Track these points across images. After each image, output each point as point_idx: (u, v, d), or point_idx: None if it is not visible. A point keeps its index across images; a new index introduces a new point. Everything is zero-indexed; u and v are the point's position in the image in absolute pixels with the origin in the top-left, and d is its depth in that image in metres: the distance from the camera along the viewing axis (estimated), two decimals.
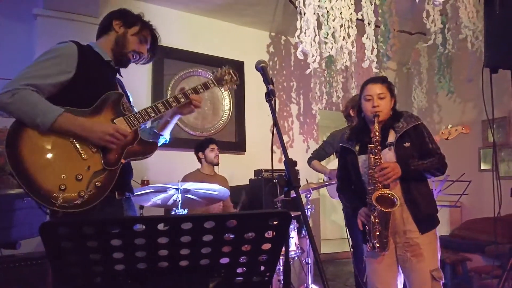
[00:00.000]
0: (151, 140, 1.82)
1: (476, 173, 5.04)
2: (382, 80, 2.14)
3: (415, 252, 1.98)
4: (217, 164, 3.74)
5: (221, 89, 1.93)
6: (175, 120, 1.90)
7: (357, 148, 2.14)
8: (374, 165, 1.97)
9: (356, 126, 2.28)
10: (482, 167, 5.16)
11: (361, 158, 2.11)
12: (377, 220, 1.94)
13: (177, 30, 4.64)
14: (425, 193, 2.06)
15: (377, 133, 1.99)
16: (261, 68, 1.56)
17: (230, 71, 1.99)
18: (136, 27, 1.79)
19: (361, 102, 2.15)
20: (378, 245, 1.95)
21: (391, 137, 2.07)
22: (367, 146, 2.03)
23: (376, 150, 1.98)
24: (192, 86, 1.85)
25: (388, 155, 2.03)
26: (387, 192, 1.93)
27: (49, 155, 1.49)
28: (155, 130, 1.88)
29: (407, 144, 2.02)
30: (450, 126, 3.14)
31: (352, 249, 3.22)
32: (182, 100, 1.80)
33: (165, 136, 1.90)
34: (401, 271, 2.07)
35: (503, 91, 2.32)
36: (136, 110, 1.77)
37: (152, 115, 1.73)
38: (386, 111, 2.08)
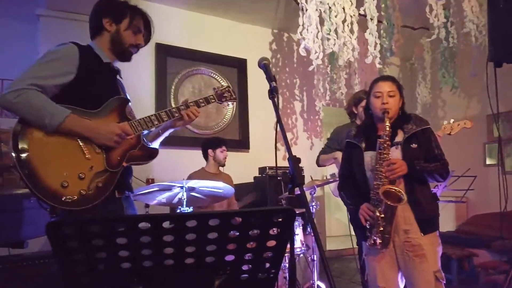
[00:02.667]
0: (151, 147, 1.84)
1: (481, 168, 5.01)
2: (392, 79, 2.14)
3: (417, 253, 1.96)
4: (224, 165, 3.76)
5: (220, 105, 1.94)
6: (167, 134, 1.91)
7: (363, 144, 2.13)
8: (381, 160, 1.97)
9: (363, 124, 2.27)
10: (488, 162, 5.13)
11: (367, 155, 2.09)
12: (382, 215, 1.91)
13: (180, 28, 4.64)
14: (428, 195, 2.06)
15: (387, 128, 1.98)
16: (264, 65, 1.55)
17: (230, 89, 2.02)
18: (126, 20, 1.76)
19: (370, 99, 2.14)
20: (380, 241, 1.93)
21: (399, 137, 2.07)
22: (374, 143, 2.03)
23: (385, 145, 1.98)
24: (194, 99, 1.88)
25: (395, 154, 2.03)
26: (394, 188, 1.92)
27: (53, 153, 1.50)
28: (145, 139, 1.88)
29: (414, 146, 2.02)
30: (452, 121, 3.09)
31: (357, 246, 3.22)
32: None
33: (154, 147, 1.90)
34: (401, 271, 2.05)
35: (507, 85, 2.31)
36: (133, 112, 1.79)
37: (156, 122, 1.75)
38: (395, 109, 2.07)
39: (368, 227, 2.00)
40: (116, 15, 1.76)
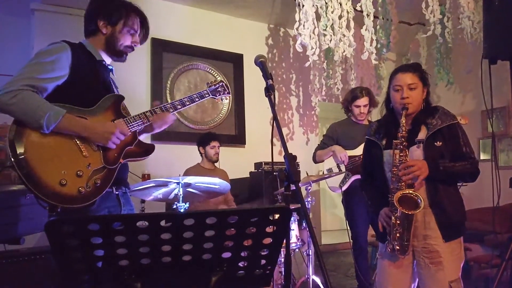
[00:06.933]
0: (148, 143, 1.85)
1: None
2: (414, 68, 1.94)
3: (434, 260, 1.82)
4: (216, 161, 3.76)
5: (215, 99, 1.95)
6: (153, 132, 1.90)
7: (383, 142, 1.98)
8: (399, 163, 1.81)
9: (384, 118, 2.08)
10: (482, 157, 5.17)
11: (387, 153, 1.94)
12: (398, 222, 1.78)
13: (176, 23, 4.62)
14: (454, 198, 1.88)
15: (403, 127, 1.82)
16: (261, 63, 1.56)
17: (224, 83, 2.01)
18: (122, 21, 1.73)
19: (390, 92, 1.97)
20: (398, 247, 1.80)
21: (422, 133, 1.89)
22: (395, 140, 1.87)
23: (401, 146, 1.81)
24: (189, 95, 1.88)
25: (416, 153, 1.87)
26: (411, 192, 1.77)
27: (51, 151, 1.51)
28: None
29: (438, 143, 1.84)
30: None
31: (351, 241, 3.25)
32: (179, 107, 1.83)
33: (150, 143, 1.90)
34: (416, 276, 1.92)
35: (502, 81, 2.32)
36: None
37: (151, 119, 1.76)
38: (416, 103, 1.90)
39: (386, 231, 1.88)
40: (112, 17, 1.72)
